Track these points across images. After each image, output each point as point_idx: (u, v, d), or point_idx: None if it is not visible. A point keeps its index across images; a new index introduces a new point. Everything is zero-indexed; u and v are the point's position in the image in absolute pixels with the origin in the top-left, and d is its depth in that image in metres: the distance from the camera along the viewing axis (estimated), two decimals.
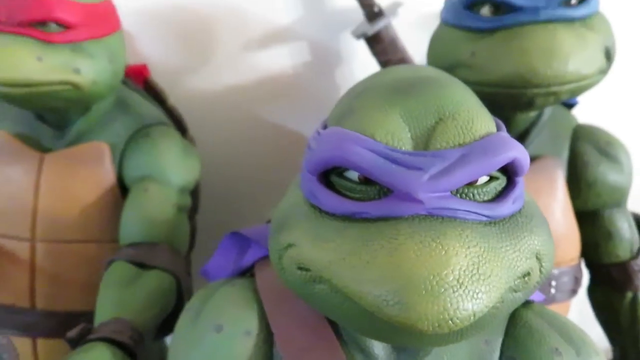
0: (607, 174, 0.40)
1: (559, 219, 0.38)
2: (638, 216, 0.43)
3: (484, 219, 0.20)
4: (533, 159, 0.39)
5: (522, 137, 0.39)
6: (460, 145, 0.20)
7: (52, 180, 0.41)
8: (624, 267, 0.41)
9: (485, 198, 0.21)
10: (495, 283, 0.18)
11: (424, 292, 0.17)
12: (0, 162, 0.41)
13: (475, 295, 0.18)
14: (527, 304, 0.28)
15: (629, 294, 0.41)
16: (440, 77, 0.23)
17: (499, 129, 0.23)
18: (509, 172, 0.21)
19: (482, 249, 0.19)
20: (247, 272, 0.31)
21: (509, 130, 0.38)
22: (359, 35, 0.51)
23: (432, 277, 0.18)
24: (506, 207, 0.21)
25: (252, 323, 0.26)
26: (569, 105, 0.43)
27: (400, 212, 0.19)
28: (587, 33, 0.32)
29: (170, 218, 0.40)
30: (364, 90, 0.23)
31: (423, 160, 0.20)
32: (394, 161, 0.20)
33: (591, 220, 0.41)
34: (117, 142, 0.42)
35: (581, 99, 0.45)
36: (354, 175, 0.21)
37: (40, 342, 0.42)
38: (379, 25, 0.49)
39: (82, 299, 0.40)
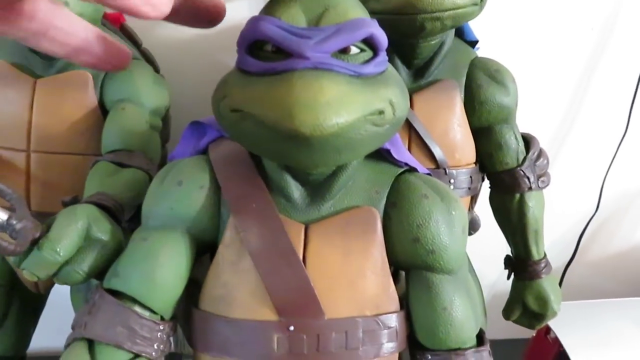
0: (495, 94, 0.47)
1: (456, 129, 0.47)
2: (525, 135, 0.51)
3: (352, 73, 0.29)
4: (436, 81, 0.48)
5: (427, 64, 0.47)
6: (337, 24, 0.29)
7: (44, 101, 0.47)
8: (512, 173, 0.49)
9: (355, 62, 0.30)
10: (353, 109, 0.27)
11: (304, 108, 0.26)
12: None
13: (338, 112, 0.27)
14: (413, 171, 0.37)
15: (517, 195, 0.50)
16: None
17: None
18: (374, 46, 0.30)
19: (347, 89, 0.28)
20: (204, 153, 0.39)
21: (416, 57, 0.47)
22: None
23: (310, 99, 0.27)
24: (368, 68, 0.30)
25: (205, 179, 0.34)
26: (472, 43, 0.51)
27: (295, 66, 0.28)
28: None
29: (144, 132, 0.47)
30: None
31: (312, 32, 0.29)
32: (293, 33, 0.29)
33: (485, 134, 0.49)
34: (98, 73, 0.48)
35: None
36: (269, 47, 0.30)
37: None
38: None
39: None
